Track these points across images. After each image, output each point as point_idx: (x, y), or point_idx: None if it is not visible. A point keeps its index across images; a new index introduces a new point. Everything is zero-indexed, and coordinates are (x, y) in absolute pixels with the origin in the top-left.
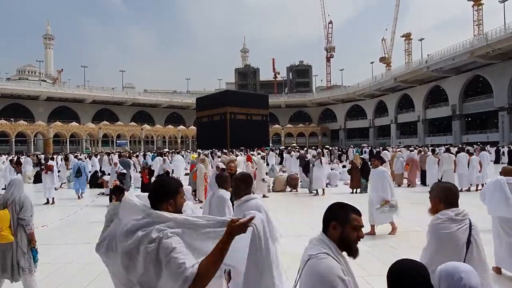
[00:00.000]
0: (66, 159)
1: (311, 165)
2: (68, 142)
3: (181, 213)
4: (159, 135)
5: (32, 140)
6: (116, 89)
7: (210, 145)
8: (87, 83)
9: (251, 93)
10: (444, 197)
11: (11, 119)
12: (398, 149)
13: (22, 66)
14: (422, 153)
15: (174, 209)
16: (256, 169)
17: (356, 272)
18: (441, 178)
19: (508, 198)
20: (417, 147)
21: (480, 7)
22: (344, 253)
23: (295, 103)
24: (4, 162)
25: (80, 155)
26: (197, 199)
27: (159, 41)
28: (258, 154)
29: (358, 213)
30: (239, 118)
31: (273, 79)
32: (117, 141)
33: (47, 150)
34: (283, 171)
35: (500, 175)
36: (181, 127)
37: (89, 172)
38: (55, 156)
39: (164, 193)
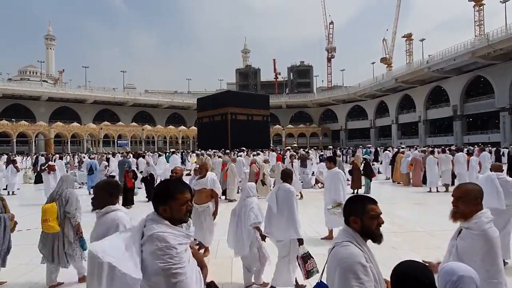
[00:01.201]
0: (81, 161)
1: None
2: (69, 142)
3: (182, 221)
4: (160, 136)
5: (33, 140)
6: (117, 90)
7: (210, 145)
8: (88, 83)
9: (252, 93)
10: (482, 198)
11: (13, 119)
12: (404, 149)
13: (24, 67)
14: (426, 153)
15: (169, 215)
16: (259, 169)
17: None
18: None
19: (498, 191)
20: (417, 147)
21: (481, 7)
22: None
23: (296, 103)
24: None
25: (93, 154)
26: (227, 198)
27: (160, 41)
28: (257, 154)
29: (374, 202)
30: (240, 118)
31: (274, 80)
32: (118, 142)
33: (48, 150)
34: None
35: (491, 171)
36: (182, 127)
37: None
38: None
39: (160, 196)
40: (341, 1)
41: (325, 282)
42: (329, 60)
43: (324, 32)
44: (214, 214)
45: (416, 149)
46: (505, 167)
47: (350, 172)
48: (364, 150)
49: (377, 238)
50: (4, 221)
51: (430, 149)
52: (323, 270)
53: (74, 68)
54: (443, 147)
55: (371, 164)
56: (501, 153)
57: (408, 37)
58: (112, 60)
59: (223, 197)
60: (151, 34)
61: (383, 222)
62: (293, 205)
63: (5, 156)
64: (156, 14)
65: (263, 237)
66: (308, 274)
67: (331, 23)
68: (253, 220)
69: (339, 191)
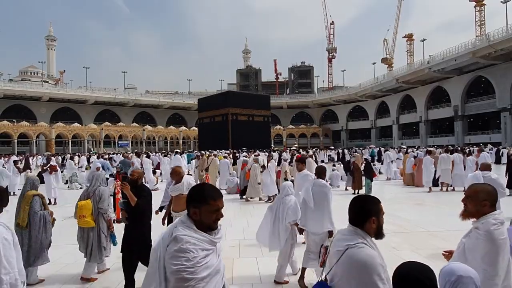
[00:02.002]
0: (88, 161)
1: (260, 170)
2: (70, 143)
3: (211, 228)
4: (161, 136)
5: (34, 141)
6: (118, 90)
7: (211, 146)
8: (89, 84)
9: (253, 94)
10: (493, 200)
11: (14, 120)
12: (411, 150)
13: (25, 67)
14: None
15: (199, 219)
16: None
17: None
18: (439, 178)
19: None
20: (418, 147)
21: (482, 7)
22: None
23: (296, 104)
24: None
25: (105, 155)
26: (245, 197)
27: (161, 42)
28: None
29: (379, 200)
30: (241, 119)
31: (275, 80)
32: (119, 142)
33: (49, 151)
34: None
35: (480, 170)
36: (183, 128)
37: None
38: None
39: (193, 199)
40: (342, 1)
41: (327, 282)
42: (330, 60)
43: (325, 32)
44: None
45: (417, 148)
46: (504, 167)
47: (351, 172)
48: (370, 150)
49: (383, 235)
50: (45, 217)
51: (428, 149)
52: (322, 270)
53: (75, 69)
54: (446, 146)
55: (373, 164)
56: (500, 153)
57: (409, 37)
58: (113, 60)
59: (239, 196)
60: (152, 35)
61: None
62: (328, 199)
63: (13, 158)
64: (157, 15)
65: (301, 231)
66: (323, 264)
67: (332, 23)
68: (291, 217)
69: (309, 192)
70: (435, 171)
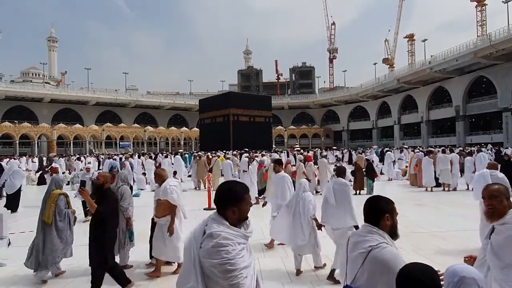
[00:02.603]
0: (99, 162)
1: (242, 171)
2: (71, 144)
3: (246, 219)
4: (162, 137)
5: (36, 142)
6: (119, 91)
7: (213, 147)
8: (90, 85)
9: (254, 94)
10: (509, 196)
11: (15, 121)
12: (417, 150)
13: (26, 69)
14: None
15: (238, 216)
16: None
17: None
18: (439, 178)
19: None
20: (419, 147)
21: (484, 7)
22: None
23: (298, 104)
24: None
25: (115, 155)
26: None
27: (162, 43)
28: (263, 156)
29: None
30: (242, 119)
31: (276, 81)
32: (120, 143)
33: (51, 152)
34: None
35: (487, 169)
36: (184, 128)
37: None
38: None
39: (229, 199)
40: (343, 2)
41: (352, 286)
42: (331, 61)
43: (326, 33)
44: (169, 229)
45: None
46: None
47: (352, 173)
48: (375, 150)
49: (397, 235)
50: (69, 215)
51: (428, 149)
52: (346, 273)
53: (77, 70)
54: (445, 147)
55: (376, 164)
56: (503, 153)
57: (410, 37)
58: (114, 61)
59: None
60: (153, 36)
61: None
62: (349, 196)
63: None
64: (158, 16)
65: (320, 227)
66: None
67: (333, 24)
68: (312, 212)
69: (286, 195)
70: (435, 171)
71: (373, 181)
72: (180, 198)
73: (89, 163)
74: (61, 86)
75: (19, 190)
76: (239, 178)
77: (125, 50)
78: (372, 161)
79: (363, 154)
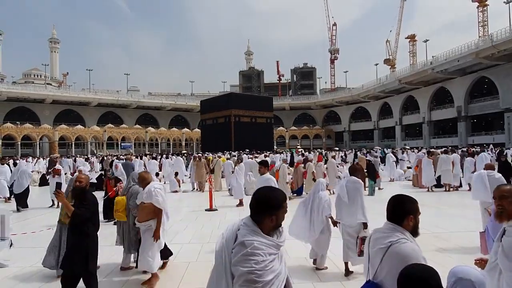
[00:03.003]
0: (111, 164)
1: (230, 171)
2: (73, 145)
3: (280, 226)
4: (164, 138)
5: (38, 143)
6: (121, 92)
7: (214, 147)
8: (92, 86)
9: (256, 95)
10: None
11: (17, 122)
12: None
13: (28, 70)
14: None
15: (274, 223)
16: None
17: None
18: (439, 178)
19: (486, 186)
20: (421, 148)
21: (485, 8)
22: None
23: (299, 105)
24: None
25: (123, 156)
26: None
27: (163, 44)
28: (266, 156)
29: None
30: (244, 120)
31: (278, 82)
32: (122, 144)
33: (53, 153)
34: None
35: (485, 169)
36: (186, 129)
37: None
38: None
39: (269, 206)
40: (344, 2)
41: (374, 281)
42: (332, 61)
43: (327, 33)
44: (155, 234)
45: (420, 149)
46: None
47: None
48: (380, 150)
49: (418, 233)
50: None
51: (429, 150)
52: (368, 269)
53: (78, 71)
54: (451, 147)
55: (379, 165)
56: (504, 153)
57: (412, 38)
58: (115, 62)
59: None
60: (155, 37)
61: None
62: (361, 194)
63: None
64: (160, 17)
65: (335, 224)
66: (360, 254)
67: (334, 24)
68: (327, 211)
69: None
70: (435, 172)
71: (375, 182)
72: (165, 201)
73: (91, 163)
74: (63, 87)
75: (27, 189)
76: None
77: (126, 51)
78: (381, 161)
79: (372, 152)
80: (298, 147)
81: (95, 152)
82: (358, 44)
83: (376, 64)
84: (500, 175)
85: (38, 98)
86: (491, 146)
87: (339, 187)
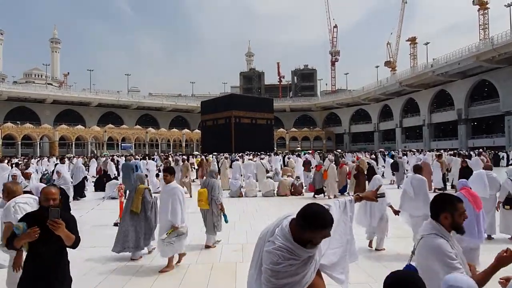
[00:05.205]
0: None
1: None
2: (73, 145)
3: (461, 228)
4: (164, 139)
5: (38, 143)
6: (121, 93)
7: (214, 149)
8: (93, 86)
9: (256, 97)
10: None
11: (18, 122)
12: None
13: (29, 70)
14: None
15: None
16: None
17: (362, 278)
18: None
19: (485, 185)
20: (422, 150)
21: (486, 11)
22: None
23: (299, 107)
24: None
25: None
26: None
27: (164, 44)
28: (262, 159)
29: (461, 201)
30: (244, 122)
31: (278, 83)
32: (122, 144)
33: (53, 153)
34: (288, 175)
35: (483, 169)
36: (186, 130)
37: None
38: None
39: (313, 225)
40: (345, 4)
41: (414, 265)
42: (333, 63)
43: (328, 35)
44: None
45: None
46: (502, 169)
47: (355, 176)
48: (387, 153)
49: (461, 230)
50: (155, 204)
51: (427, 152)
52: (411, 257)
53: (79, 71)
54: (449, 149)
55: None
56: (500, 157)
57: (412, 40)
58: (116, 63)
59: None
60: (156, 38)
61: (467, 217)
62: (426, 189)
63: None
64: (161, 18)
65: (396, 213)
66: None
67: (335, 26)
68: (387, 201)
69: (176, 211)
70: (444, 174)
71: None
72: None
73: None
74: (64, 87)
75: (82, 181)
76: (243, 180)
77: (127, 51)
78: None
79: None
80: (298, 148)
81: (95, 152)
82: (359, 46)
83: (377, 67)
84: (496, 175)
85: (38, 98)
86: (484, 148)
87: (405, 184)
